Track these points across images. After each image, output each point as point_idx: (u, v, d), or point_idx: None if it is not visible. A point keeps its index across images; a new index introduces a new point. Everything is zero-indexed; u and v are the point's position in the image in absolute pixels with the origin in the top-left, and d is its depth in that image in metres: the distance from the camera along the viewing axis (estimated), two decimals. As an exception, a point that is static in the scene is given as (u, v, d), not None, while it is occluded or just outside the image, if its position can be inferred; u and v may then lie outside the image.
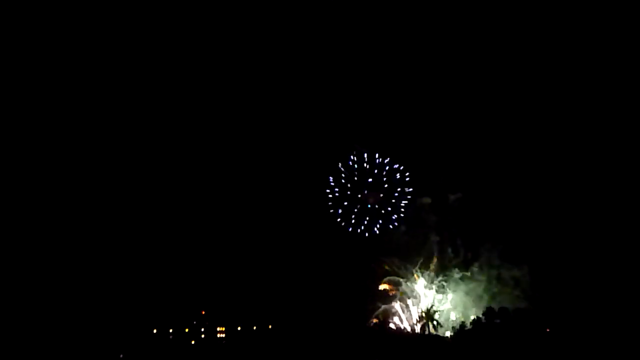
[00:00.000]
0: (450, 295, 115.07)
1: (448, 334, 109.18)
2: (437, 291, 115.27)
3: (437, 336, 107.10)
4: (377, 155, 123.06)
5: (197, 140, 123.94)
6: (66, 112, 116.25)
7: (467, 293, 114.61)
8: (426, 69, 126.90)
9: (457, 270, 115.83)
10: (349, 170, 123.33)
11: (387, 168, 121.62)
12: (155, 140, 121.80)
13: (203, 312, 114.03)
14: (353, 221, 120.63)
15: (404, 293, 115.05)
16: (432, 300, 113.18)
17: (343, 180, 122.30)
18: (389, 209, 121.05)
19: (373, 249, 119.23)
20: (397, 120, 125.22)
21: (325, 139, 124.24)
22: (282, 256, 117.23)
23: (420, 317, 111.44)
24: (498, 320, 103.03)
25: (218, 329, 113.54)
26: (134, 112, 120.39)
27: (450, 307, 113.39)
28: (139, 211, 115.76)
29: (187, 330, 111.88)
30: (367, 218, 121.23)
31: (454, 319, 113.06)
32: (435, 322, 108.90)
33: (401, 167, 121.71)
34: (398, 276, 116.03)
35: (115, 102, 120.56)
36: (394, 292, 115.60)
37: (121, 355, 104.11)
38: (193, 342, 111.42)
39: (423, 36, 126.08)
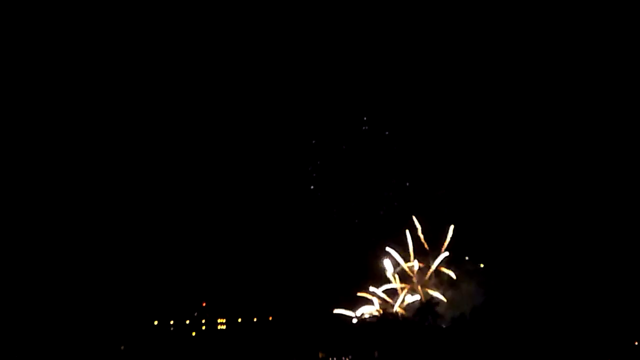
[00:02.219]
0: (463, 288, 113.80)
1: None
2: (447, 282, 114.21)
3: (436, 327, 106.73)
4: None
5: (194, 135, 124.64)
6: (66, 112, 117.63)
7: (479, 285, 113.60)
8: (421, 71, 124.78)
9: (470, 262, 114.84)
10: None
11: None
12: (154, 135, 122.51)
13: (204, 304, 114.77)
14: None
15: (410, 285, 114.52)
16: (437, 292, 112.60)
17: None
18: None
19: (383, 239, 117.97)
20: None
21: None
22: (284, 246, 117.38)
23: (420, 309, 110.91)
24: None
25: (219, 320, 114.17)
26: (132, 110, 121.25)
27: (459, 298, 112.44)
28: (140, 203, 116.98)
29: (187, 321, 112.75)
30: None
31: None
32: (434, 314, 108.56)
33: None
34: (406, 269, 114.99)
35: (113, 102, 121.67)
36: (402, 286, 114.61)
37: (122, 347, 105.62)
38: (194, 334, 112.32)
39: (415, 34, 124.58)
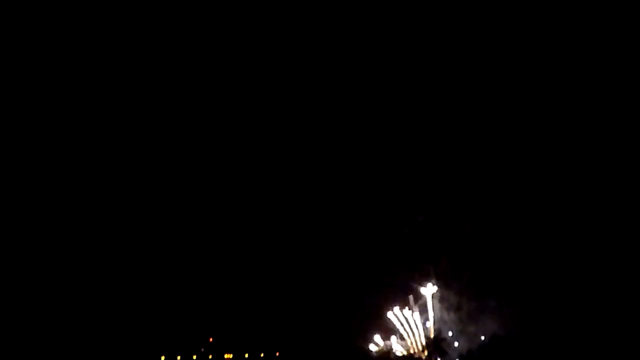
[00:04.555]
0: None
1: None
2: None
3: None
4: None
5: (196, 159, 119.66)
6: (66, 112, 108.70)
7: (500, 320, 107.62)
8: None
9: (493, 297, 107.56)
10: None
11: None
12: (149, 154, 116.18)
13: (211, 339, 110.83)
14: None
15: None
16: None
17: None
18: None
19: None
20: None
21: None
22: (294, 279, 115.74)
23: (425, 346, 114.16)
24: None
25: (225, 356, 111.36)
26: (140, 112, 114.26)
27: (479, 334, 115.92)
28: (145, 233, 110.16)
29: (194, 357, 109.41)
30: None
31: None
32: (441, 350, 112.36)
33: None
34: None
35: (115, 102, 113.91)
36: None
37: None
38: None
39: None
